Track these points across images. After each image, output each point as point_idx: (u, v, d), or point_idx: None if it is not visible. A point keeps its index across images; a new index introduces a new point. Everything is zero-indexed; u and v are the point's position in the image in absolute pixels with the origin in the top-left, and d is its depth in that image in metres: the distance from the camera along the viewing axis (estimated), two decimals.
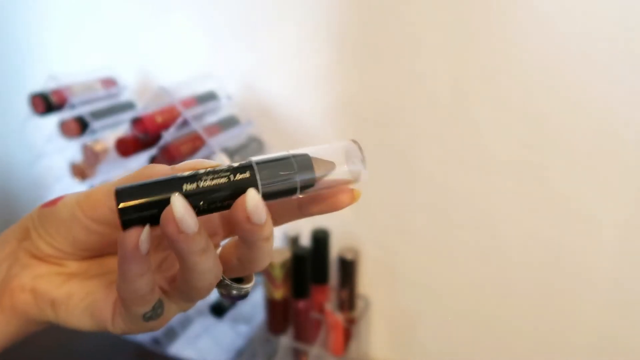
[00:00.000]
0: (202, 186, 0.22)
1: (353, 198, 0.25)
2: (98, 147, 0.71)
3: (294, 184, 0.23)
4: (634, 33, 0.51)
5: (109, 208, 0.23)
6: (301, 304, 0.70)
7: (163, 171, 0.23)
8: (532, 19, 0.55)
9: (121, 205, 0.21)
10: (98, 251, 0.26)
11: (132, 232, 0.21)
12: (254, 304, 0.83)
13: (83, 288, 0.25)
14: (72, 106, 0.72)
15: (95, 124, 0.70)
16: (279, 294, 0.66)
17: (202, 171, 0.22)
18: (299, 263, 0.67)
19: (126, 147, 0.66)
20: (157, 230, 0.22)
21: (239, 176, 0.22)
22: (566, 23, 0.54)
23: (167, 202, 0.21)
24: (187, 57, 0.76)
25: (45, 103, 0.71)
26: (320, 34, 0.65)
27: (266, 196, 0.23)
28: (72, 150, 0.76)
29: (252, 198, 0.21)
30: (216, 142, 0.64)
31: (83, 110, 0.71)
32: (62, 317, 0.25)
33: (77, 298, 0.25)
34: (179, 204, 0.21)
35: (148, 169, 0.24)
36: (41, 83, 0.71)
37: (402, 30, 0.61)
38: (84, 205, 0.24)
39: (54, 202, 0.25)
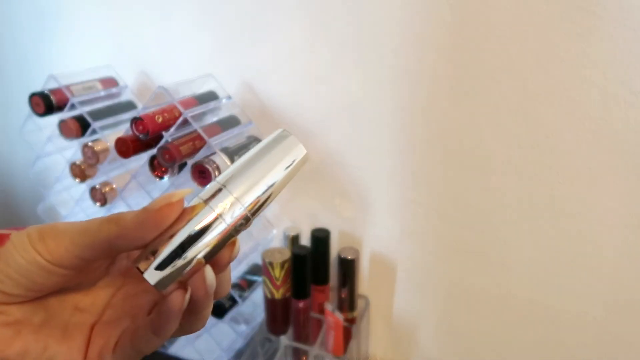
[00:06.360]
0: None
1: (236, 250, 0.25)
2: (98, 147, 0.71)
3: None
4: (637, 33, 0.51)
5: (76, 257, 0.22)
6: (301, 304, 0.70)
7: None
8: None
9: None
10: (51, 291, 0.24)
11: (178, 296, 0.22)
12: (254, 304, 0.83)
13: (37, 342, 0.23)
14: (72, 106, 0.72)
15: (95, 124, 0.70)
16: (278, 294, 0.66)
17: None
18: (299, 263, 0.67)
19: (126, 147, 0.66)
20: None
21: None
22: (563, 23, 0.54)
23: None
24: (187, 57, 0.76)
25: (45, 103, 0.71)
26: (321, 34, 0.65)
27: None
28: (72, 150, 0.76)
29: (210, 273, 0.23)
30: (216, 142, 0.64)
31: (83, 110, 0.71)
32: None
33: (34, 355, 0.23)
34: (210, 274, 0.23)
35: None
36: (41, 83, 0.71)
37: (402, 28, 0.61)
38: (43, 251, 0.22)
39: None
